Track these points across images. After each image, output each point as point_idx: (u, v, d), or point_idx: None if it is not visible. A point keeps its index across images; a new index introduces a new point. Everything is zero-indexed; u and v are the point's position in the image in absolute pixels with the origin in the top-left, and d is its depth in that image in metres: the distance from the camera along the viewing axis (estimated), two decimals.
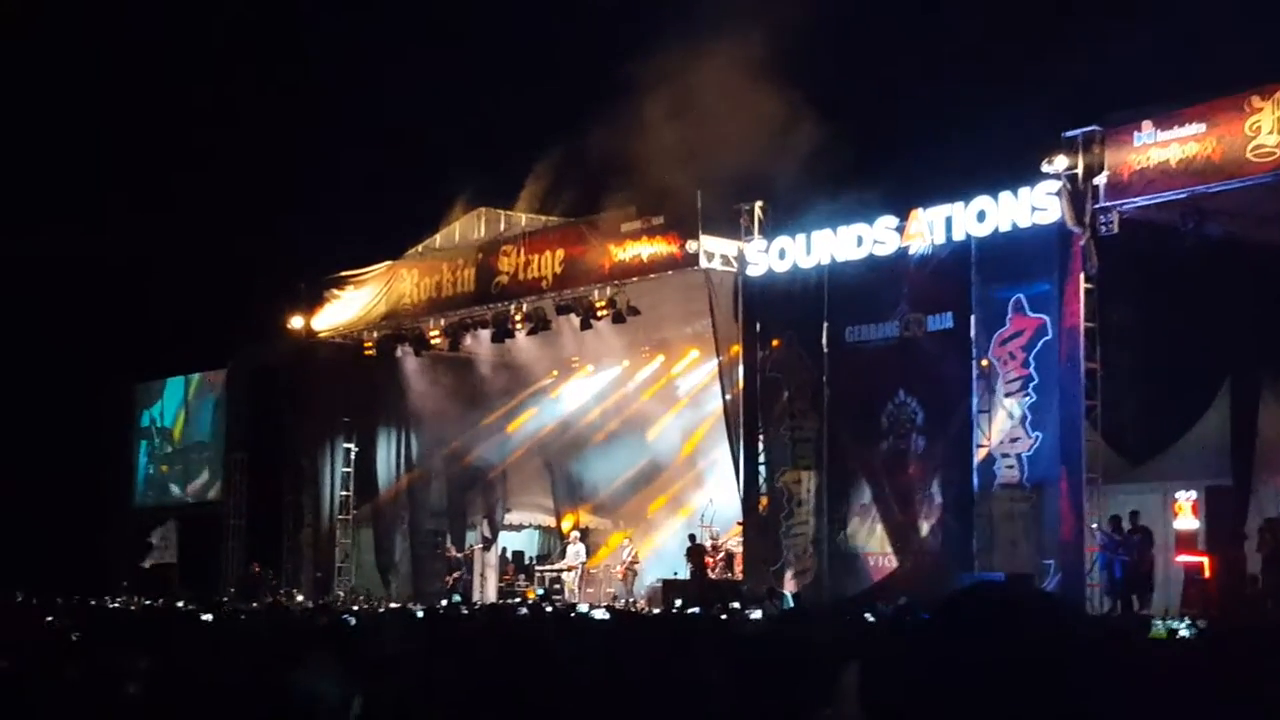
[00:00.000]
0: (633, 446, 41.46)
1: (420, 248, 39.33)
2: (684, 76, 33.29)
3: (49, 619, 15.72)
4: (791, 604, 28.50)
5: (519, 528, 43.33)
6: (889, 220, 29.71)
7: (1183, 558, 27.44)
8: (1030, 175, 27.43)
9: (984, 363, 28.10)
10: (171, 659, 10.12)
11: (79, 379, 45.04)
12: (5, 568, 34.59)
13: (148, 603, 35.70)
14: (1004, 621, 2.82)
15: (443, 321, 38.37)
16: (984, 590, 2.95)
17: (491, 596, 37.02)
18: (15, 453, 44.04)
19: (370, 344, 40.05)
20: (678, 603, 31.20)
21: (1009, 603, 2.91)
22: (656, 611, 31.00)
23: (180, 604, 31.11)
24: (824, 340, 30.78)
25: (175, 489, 48.16)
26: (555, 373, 41.42)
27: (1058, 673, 2.75)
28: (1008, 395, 27.76)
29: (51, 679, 9.99)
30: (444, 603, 33.94)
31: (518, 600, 35.27)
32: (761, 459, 32.00)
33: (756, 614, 25.59)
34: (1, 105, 43.64)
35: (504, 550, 41.21)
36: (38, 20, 43.27)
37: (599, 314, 34.28)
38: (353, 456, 42.23)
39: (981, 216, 28.12)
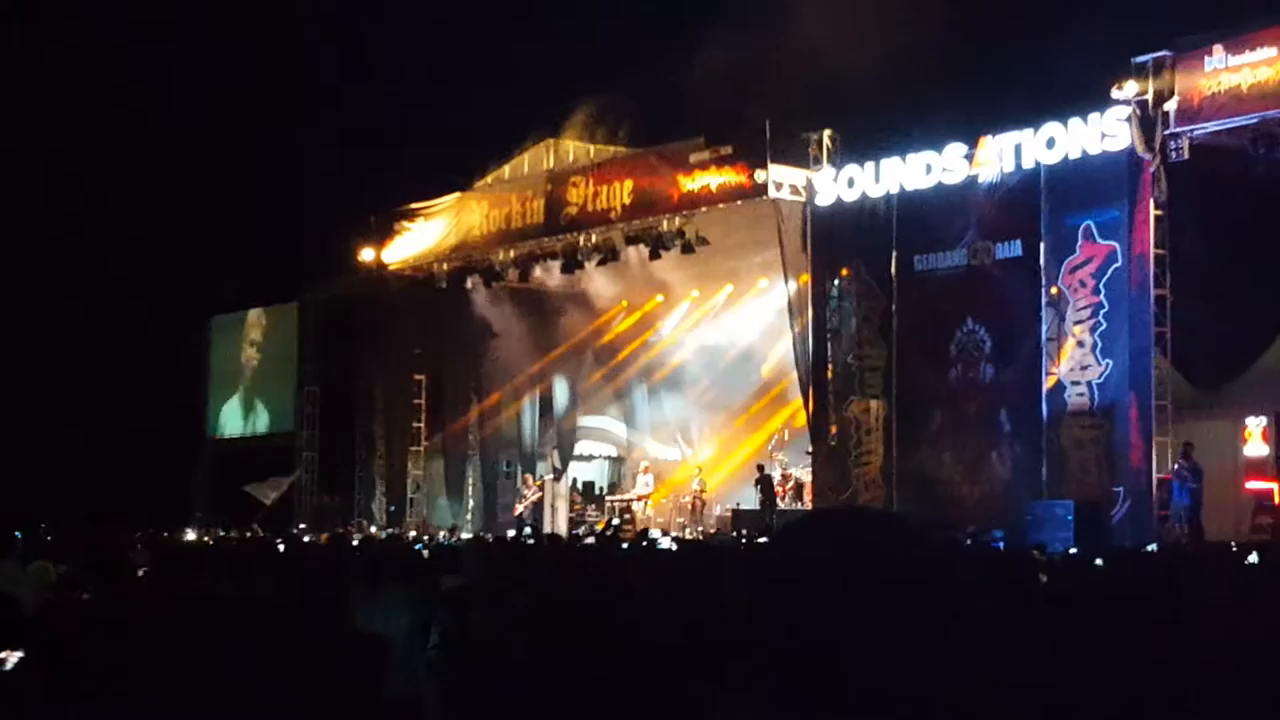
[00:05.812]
0: (702, 376, 41.55)
1: (489, 179, 39.29)
2: (750, 4, 33.23)
3: (125, 552, 15.92)
4: None
5: (589, 458, 43.53)
6: (958, 148, 29.57)
7: (1253, 484, 27.38)
8: (1100, 101, 27.28)
9: (1054, 290, 28.00)
10: (251, 589, 10.31)
11: (152, 315, 45.34)
12: (87, 505, 34.96)
13: (223, 534, 36.11)
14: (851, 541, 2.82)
15: (512, 253, 38.42)
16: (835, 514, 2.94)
17: (562, 527, 37.20)
18: (91, 389, 44.46)
19: (441, 276, 40.23)
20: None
21: (861, 525, 2.91)
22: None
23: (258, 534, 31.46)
24: (892, 269, 30.74)
25: (249, 422, 48.57)
26: (625, 303, 41.47)
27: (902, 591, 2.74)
28: (1077, 323, 27.65)
29: (122, 608, 10.18)
30: (511, 533, 34.23)
31: (583, 530, 35.51)
32: (830, 388, 32.04)
33: None
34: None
35: (574, 481, 41.42)
36: None
37: (668, 244, 34.32)
38: (424, 388, 42.43)
39: (1051, 143, 27.99)
